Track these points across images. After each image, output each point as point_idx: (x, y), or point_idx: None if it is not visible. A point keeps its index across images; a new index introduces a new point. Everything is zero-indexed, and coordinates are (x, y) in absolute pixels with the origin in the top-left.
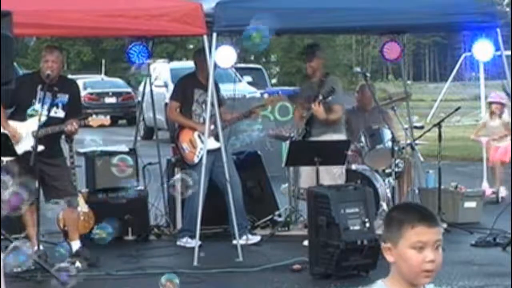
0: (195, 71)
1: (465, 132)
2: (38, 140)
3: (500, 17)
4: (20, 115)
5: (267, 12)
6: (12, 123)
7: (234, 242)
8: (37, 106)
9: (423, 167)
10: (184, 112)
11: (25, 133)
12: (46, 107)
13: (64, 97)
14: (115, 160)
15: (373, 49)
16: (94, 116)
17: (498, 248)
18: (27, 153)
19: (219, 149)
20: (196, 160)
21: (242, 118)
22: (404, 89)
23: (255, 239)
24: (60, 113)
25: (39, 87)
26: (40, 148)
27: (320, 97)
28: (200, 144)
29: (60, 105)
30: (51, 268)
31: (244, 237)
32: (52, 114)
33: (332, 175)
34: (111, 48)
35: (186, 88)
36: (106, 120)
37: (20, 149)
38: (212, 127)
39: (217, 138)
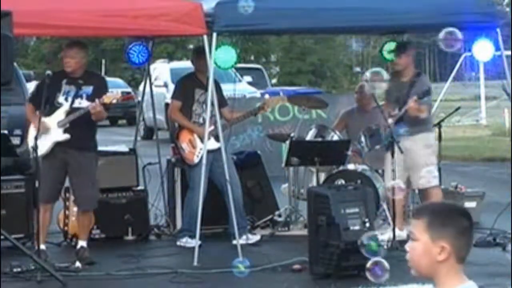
0: (195, 71)
1: (465, 132)
2: (64, 130)
3: (500, 17)
4: (48, 109)
5: (267, 12)
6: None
7: (234, 242)
8: (60, 98)
9: None
10: (184, 111)
11: (52, 125)
12: (70, 98)
13: (88, 89)
14: None
15: (373, 49)
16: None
17: (498, 248)
18: (55, 145)
19: (218, 149)
20: (195, 160)
21: (249, 116)
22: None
23: (255, 238)
24: (84, 104)
25: (64, 81)
26: (65, 136)
27: (415, 97)
28: (200, 144)
29: (84, 95)
30: (51, 268)
31: (244, 237)
32: (75, 105)
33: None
34: (111, 48)
35: (187, 88)
36: (118, 94)
37: (48, 141)
38: (212, 127)
39: (217, 138)
